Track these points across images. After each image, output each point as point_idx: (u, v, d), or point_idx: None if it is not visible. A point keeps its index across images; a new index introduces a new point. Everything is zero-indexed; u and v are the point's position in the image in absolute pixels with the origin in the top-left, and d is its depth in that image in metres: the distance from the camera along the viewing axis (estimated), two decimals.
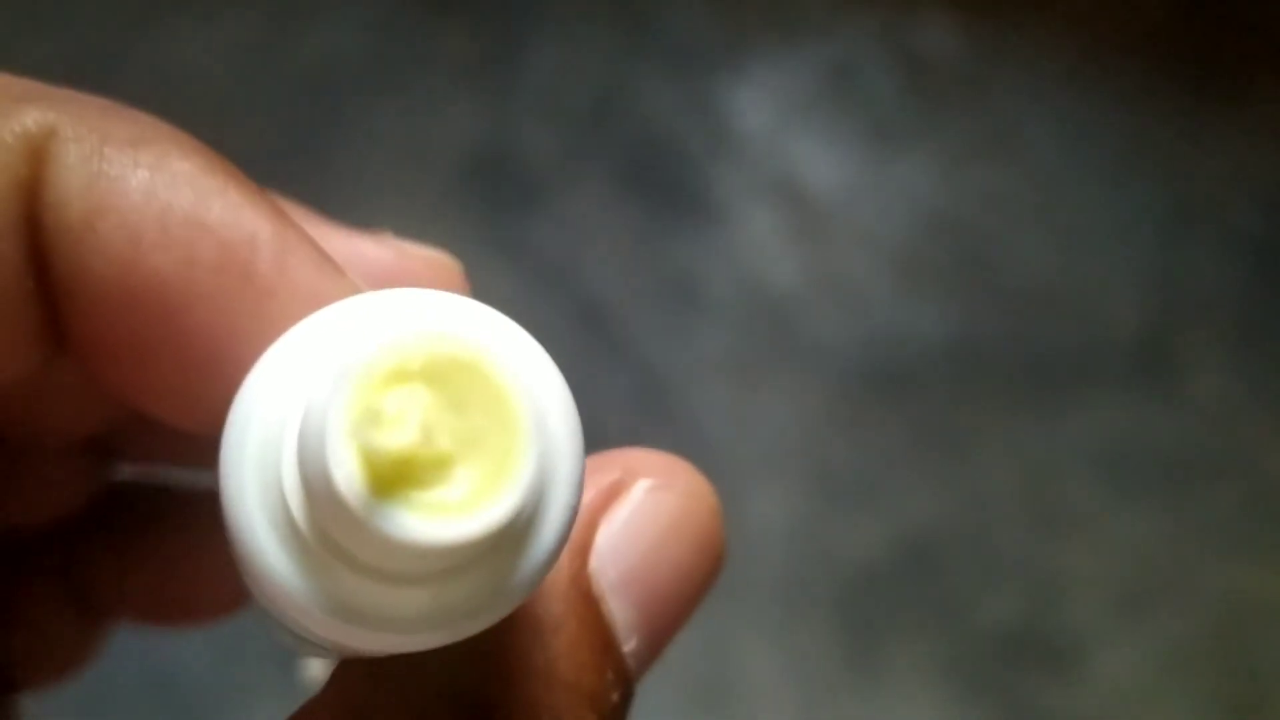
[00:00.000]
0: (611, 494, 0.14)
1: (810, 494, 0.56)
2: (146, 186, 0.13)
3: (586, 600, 0.14)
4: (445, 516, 0.11)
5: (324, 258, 0.14)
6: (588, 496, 0.14)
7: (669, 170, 0.61)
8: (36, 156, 0.13)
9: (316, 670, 0.20)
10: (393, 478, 0.11)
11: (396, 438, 0.11)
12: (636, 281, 0.59)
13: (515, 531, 0.12)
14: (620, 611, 0.14)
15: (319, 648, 0.15)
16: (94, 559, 0.20)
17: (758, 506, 0.55)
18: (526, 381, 0.11)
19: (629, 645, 0.14)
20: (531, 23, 0.63)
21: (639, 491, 0.14)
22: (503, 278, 0.57)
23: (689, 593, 0.15)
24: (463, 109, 0.61)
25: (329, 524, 0.11)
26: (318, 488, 0.11)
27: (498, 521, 0.11)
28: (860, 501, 0.56)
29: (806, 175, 0.62)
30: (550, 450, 0.12)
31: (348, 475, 0.11)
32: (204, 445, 0.13)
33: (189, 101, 0.60)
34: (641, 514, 0.14)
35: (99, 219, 0.13)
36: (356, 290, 0.14)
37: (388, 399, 0.11)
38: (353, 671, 0.13)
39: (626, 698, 0.14)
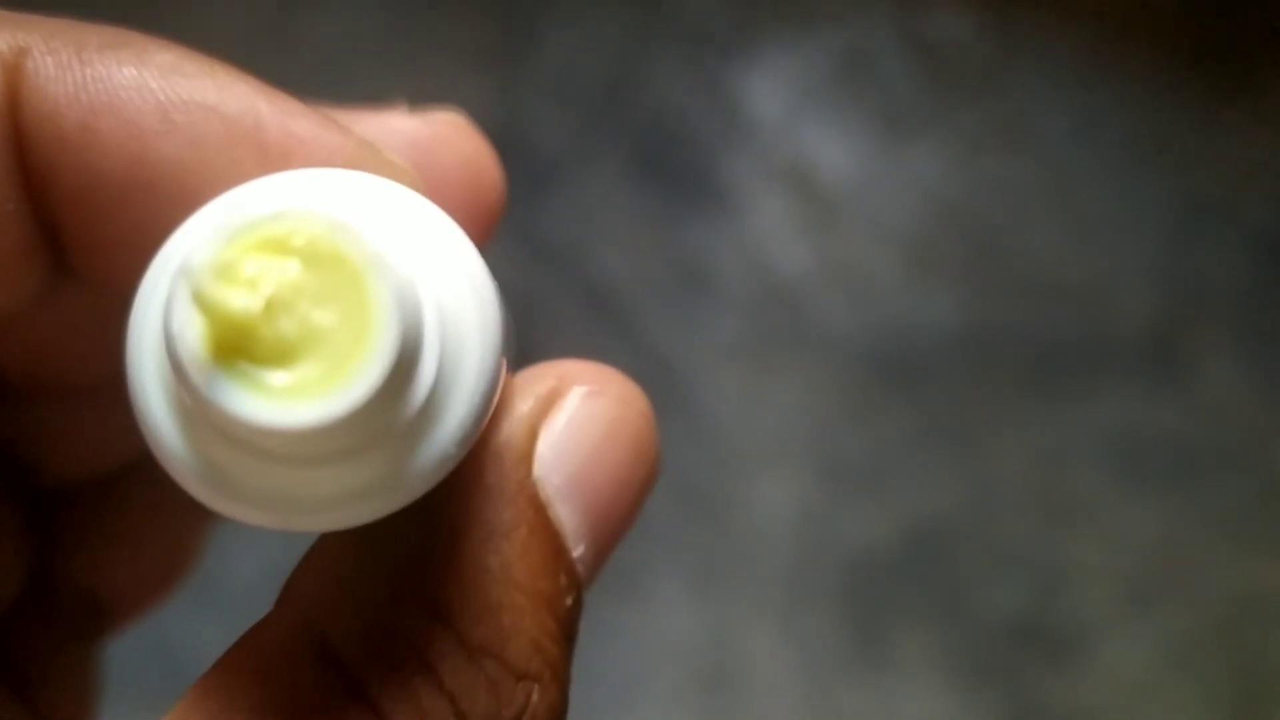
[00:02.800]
0: (549, 401, 0.14)
1: (818, 481, 0.56)
2: (136, 81, 0.13)
3: (535, 506, 0.14)
4: (278, 400, 0.11)
5: (327, 118, 0.14)
6: (526, 405, 0.14)
7: (680, 156, 0.61)
8: (11, 77, 0.13)
9: None
10: (234, 346, 0.11)
11: (239, 299, 0.11)
12: (647, 267, 0.59)
13: (407, 416, 0.12)
14: (568, 517, 0.14)
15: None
16: None
17: (765, 493, 0.55)
18: (398, 270, 0.11)
19: (577, 551, 0.14)
20: (544, 6, 0.63)
21: (575, 398, 0.15)
22: (513, 261, 0.57)
23: (629, 497, 0.15)
24: (474, 92, 0.61)
25: (189, 398, 0.11)
26: (168, 345, 0.11)
27: (332, 415, 0.11)
28: (868, 489, 0.56)
29: (818, 162, 0.61)
30: (454, 331, 0.12)
31: (185, 331, 0.11)
32: None
33: None
34: (579, 420, 0.14)
35: (95, 120, 0.13)
36: (364, 144, 0.14)
37: (248, 263, 0.11)
38: (304, 583, 0.13)
39: (578, 604, 0.14)
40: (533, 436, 0.14)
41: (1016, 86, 0.63)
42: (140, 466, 0.19)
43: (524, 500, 0.14)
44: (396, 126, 0.16)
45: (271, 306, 0.11)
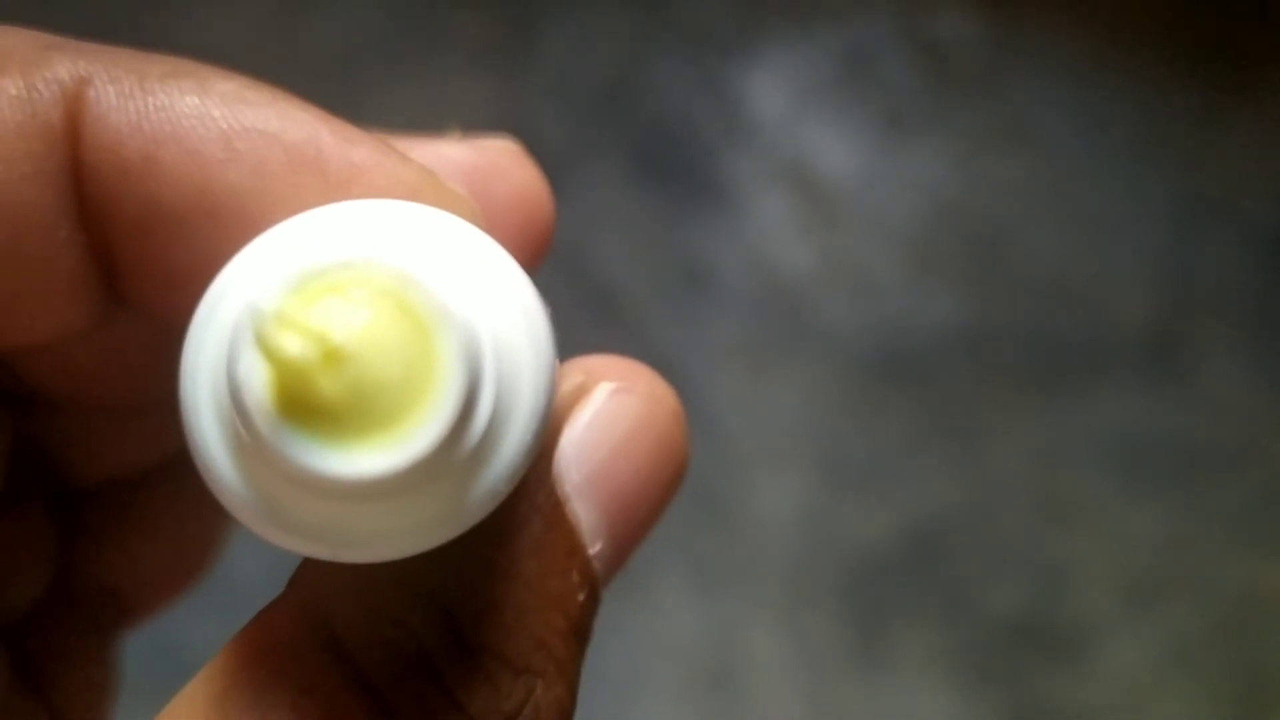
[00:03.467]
0: (574, 397, 0.14)
1: (820, 480, 0.56)
2: (198, 109, 0.13)
3: (551, 502, 0.14)
4: (342, 450, 0.11)
5: (387, 146, 0.14)
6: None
7: (682, 155, 0.61)
8: (73, 105, 0.13)
9: None
10: (298, 394, 0.11)
11: (301, 347, 0.11)
12: (648, 266, 0.59)
13: (463, 455, 0.12)
14: (585, 514, 0.14)
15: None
16: None
17: (768, 492, 0.55)
18: (463, 320, 0.11)
19: (595, 548, 0.14)
20: (546, 7, 0.63)
21: (601, 394, 0.14)
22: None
23: (653, 496, 0.15)
24: (477, 91, 0.61)
25: (242, 430, 0.11)
26: (232, 390, 0.11)
27: (413, 459, 0.11)
28: (870, 488, 0.56)
29: (820, 162, 0.62)
30: (508, 361, 0.12)
31: (251, 378, 0.11)
32: None
33: None
34: (604, 416, 0.14)
35: (158, 149, 0.13)
36: (425, 172, 0.14)
37: (314, 311, 0.11)
38: (311, 573, 0.13)
39: (593, 601, 0.14)
40: (556, 431, 0.14)
41: (1018, 86, 0.63)
42: (162, 466, 0.19)
43: (541, 496, 0.14)
44: (451, 155, 0.16)
45: (336, 357, 0.11)
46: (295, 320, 0.11)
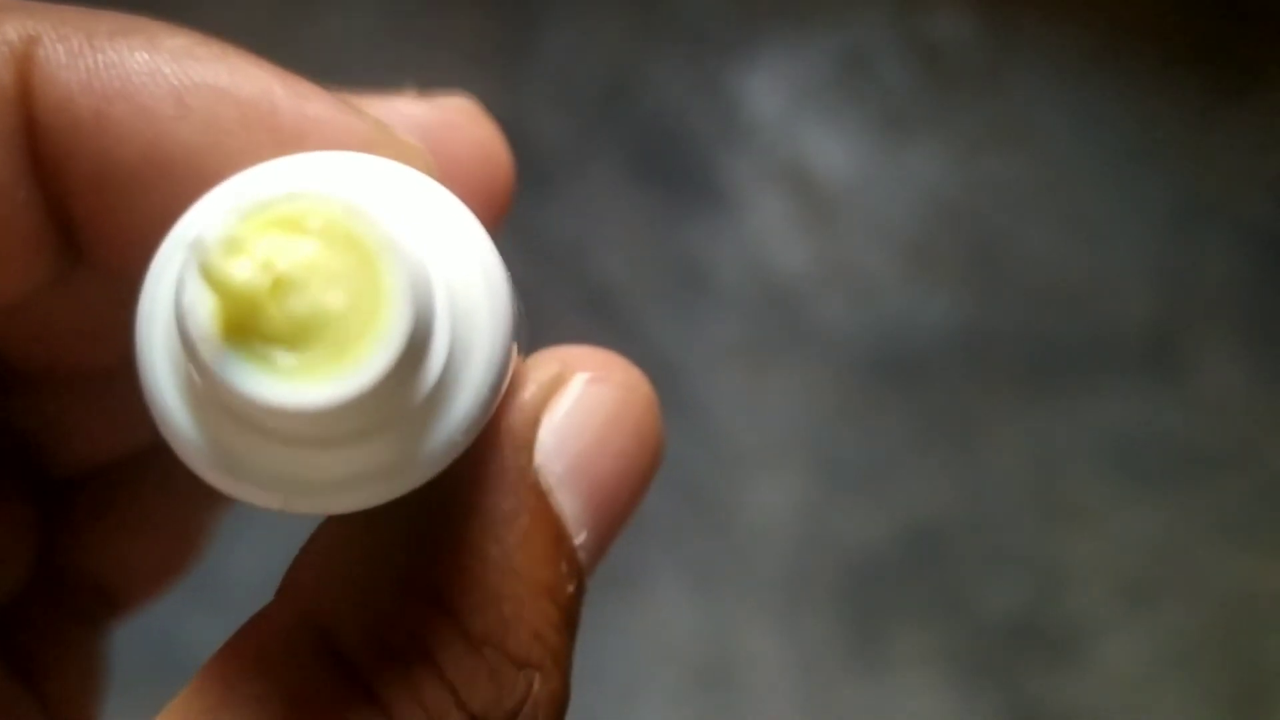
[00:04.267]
0: (551, 388, 0.14)
1: (817, 481, 0.56)
2: (148, 66, 0.13)
3: (536, 494, 0.14)
4: (288, 380, 0.11)
5: (340, 100, 0.14)
6: (529, 392, 0.14)
7: (680, 156, 0.61)
8: (23, 65, 0.13)
9: None
10: (244, 324, 0.11)
11: (247, 274, 0.11)
12: (646, 266, 0.59)
13: (416, 400, 0.12)
14: (569, 504, 0.14)
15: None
16: None
17: (764, 493, 0.55)
18: (411, 255, 0.11)
19: (579, 538, 0.14)
20: (544, 7, 0.63)
21: (578, 384, 0.14)
22: (512, 262, 0.57)
23: (632, 484, 0.15)
24: (474, 93, 0.61)
25: (199, 375, 0.11)
26: (178, 321, 0.11)
27: (341, 397, 0.11)
28: (867, 489, 0.56)
29: (818, 163, 0.62)
30: (464, 317, 0.12)
31: (196, 307, 0.11)
32: None
33: None
34: (582, 407, 0.14)
35: (109, 106, 0.13)
36: (379, 126, 0.14)
37: (260, 241, 0.11)
38: (305, 575, 0.13)
39: (580, 591, 0.14)
40: (535, 423, 0.14)
41: (1015, 86, 0.63)
42: (147, 455, 0.19)
43: (525, 488, 0.14)
44: (406, 111, 0.16)
45: (282, 285, 0.11)
46: (242, 247, 0.11)
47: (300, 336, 0.11)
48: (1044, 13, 0.65)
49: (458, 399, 0.12)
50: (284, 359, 0.11)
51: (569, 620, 0.14)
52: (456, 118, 0.17)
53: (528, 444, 0.14)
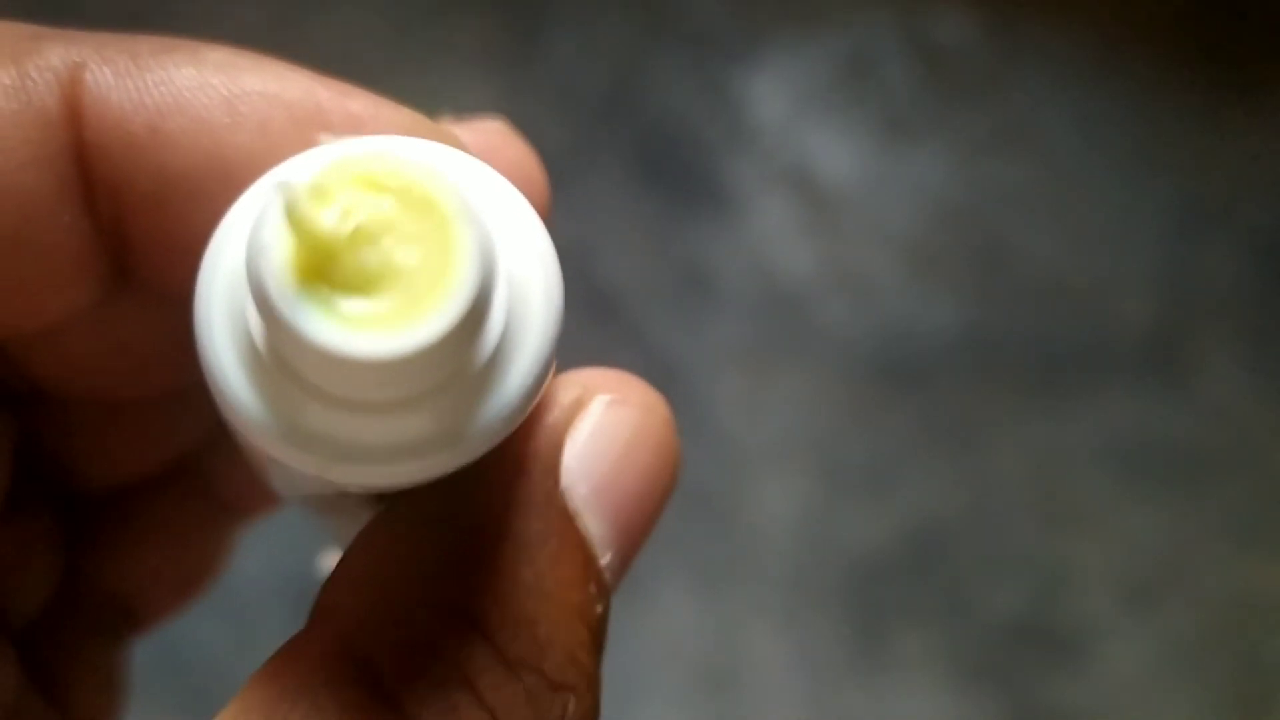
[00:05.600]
0: (572, 412, 0.15)
1: (820, 483, 0.56)
2: (196, 79, 0.14)
3: (563, 517, 0.14)
4: (354, 328, 0.11)
5: (387, 101, 0.14)
6: (551, 416, 0.14)
7: (683, 159, 0.61)
8: (69, 90, 0.13)
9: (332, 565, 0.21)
10: (317, 270, 0.11)
11: (330, 220, 0.11)
12: (649, 270, 0.59)
13: (472, 370, 0.12)
14: (594, 526, 0.14)
15: (315, 497, 0.15)
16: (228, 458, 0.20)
17: (768, 495, 0.56)
18: (481, 222, 0.11)
19: (605, 559, 0.14)
20: (547, 10, 0.63)
21: (598, 407, 0.15)
22: None
23: (653, 503, 0.15)
24: (477, 96, 0.61)
25: (274, 339, 0.11)
26: (258, 300, 0.11)
27: (428, 339, 0.11)
28: (870, 492, 0.56)
29: (821, 166, 0.62)
30: (519, 299, 0.12)
31: (273, 246, 0.11)
32: None
33: None
34: (604, 429, 0.15)
35: (163, 121, 0.13)
36: (422, 118, 0.14)
37: (343, 192, 0.11)
38: (339, 594, 0.13)
39: (606, 611, 0.15)
40: (559, 447, 0.14)
41: (1018, 90, 0.64)
42: (170, 472, 0.20)
43: (553, 512, 0.14)
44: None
45: (360, 235, 0.11)
46: (327, 194, 0.11)
47: (370, 288, 0.11)
48: (1047, 16, 0.65)
49: (511, 373, 0.12)
50: (352, 309, 0.11)
51: (598, 641, 0.14)
52: (493, 139, 0.17)
53: (553, 468, 0.14)
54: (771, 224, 0.60)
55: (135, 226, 0.14)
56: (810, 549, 0.55)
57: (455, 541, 0.13)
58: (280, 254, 0.11)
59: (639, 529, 0.15)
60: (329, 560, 0.21)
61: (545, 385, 0.13)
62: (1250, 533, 0.56)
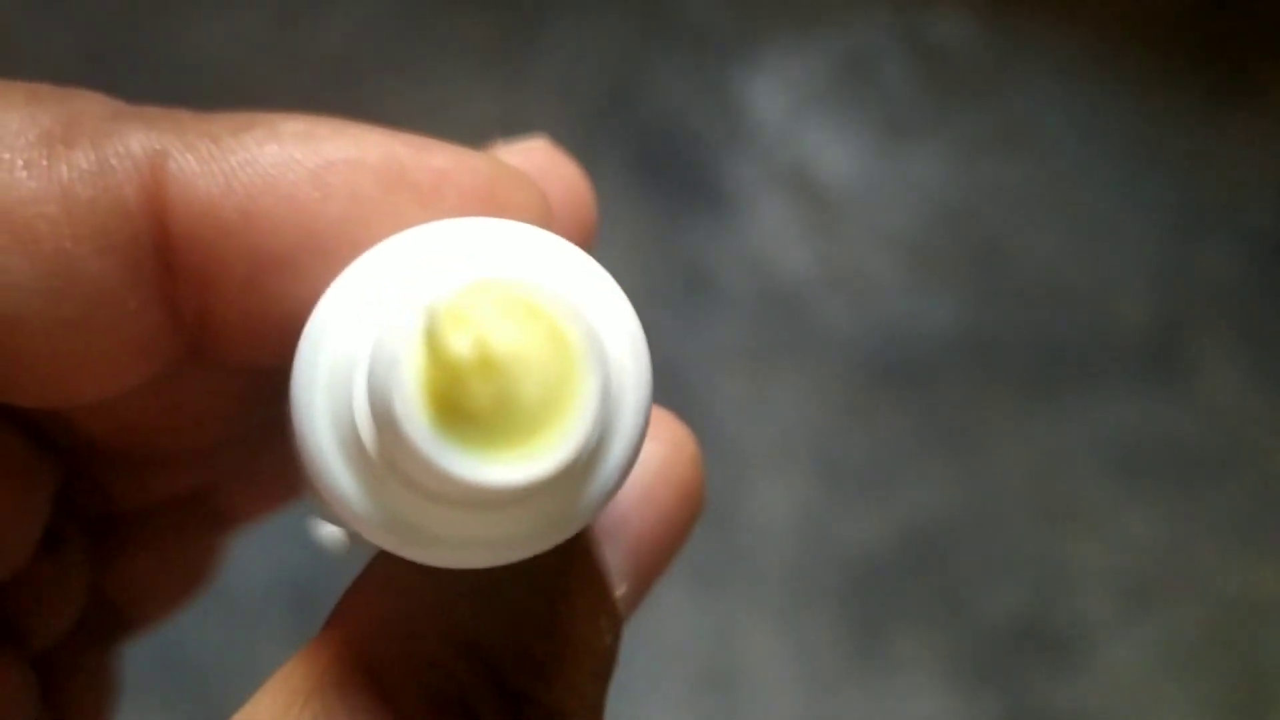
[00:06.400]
0: None
1: (820, 483, 0.56)
2: (280, 156, 0.14)
3: (581, 549, 0.14)
4: (502, 459, 0.11)
5: (461, 149, 0.14)
6: None
7: (683, 160, 0.61)
8: (149, 179, 0.13)
9: (330, 534, 0.21)
10: (449, 392, 0.11)
11: (466, 345, 0.11)
12: (649, 270, 0.59)
13: (578, 465, 0.12)
14: (612, 558, 0.14)
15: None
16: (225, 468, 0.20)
17: (767, 496, 0.56)
18: (593, 329, 0.12)
19: (620, 591, 0.14)
20: (547, 11, 0.64)
21: None
22: None
23: (673, 538, 0.15)
24: (478, 97, 0.62)
25: (393, 451, 0.12)
26: (382, 414, 0.11)
27: (553, 469, 0.11)
28: (868, 492, 0.56)
29: (820, 166, 0.62)
30: (617, 380, 0.13)
31: (407, 371, 0.11)
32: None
33: (206, 91, 0.61)
34: None
35: (254, 203, 0.13)
36: (498, 162, 0.14)
37: (479, 318, 0.11)
38: (355, 610, 0.14)
39: (616, 642, 0.15)
40: None
41: (1017, 90, 0.64)
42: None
43: (572, 542, 0.14)
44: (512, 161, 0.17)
45: (494, 363, 0.11)
46: (467, 320, 0.11)
47: (499, 417, 0.11)
48: (1045, 16, 0.65)
49: (609, 459, 0.12)
50: (479, 436, 0.11)
51: (604, 672, 0.14)
52: (543, 160, 0.17)
53: None
54: (771, 224, 0.60)
55: (223, 310, 0.14)
56: (809, 549, 0.55)
57: (469, 570, 0.14)
58: (414, 373, 0.11)
59: (656, 563, 0.15)
60: (328, 526, 0.21)
61: (635, 460, 0.13)
62: (1249, 532, 0.56)
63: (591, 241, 0.17)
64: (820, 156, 0.62)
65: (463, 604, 0.13)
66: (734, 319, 0.58)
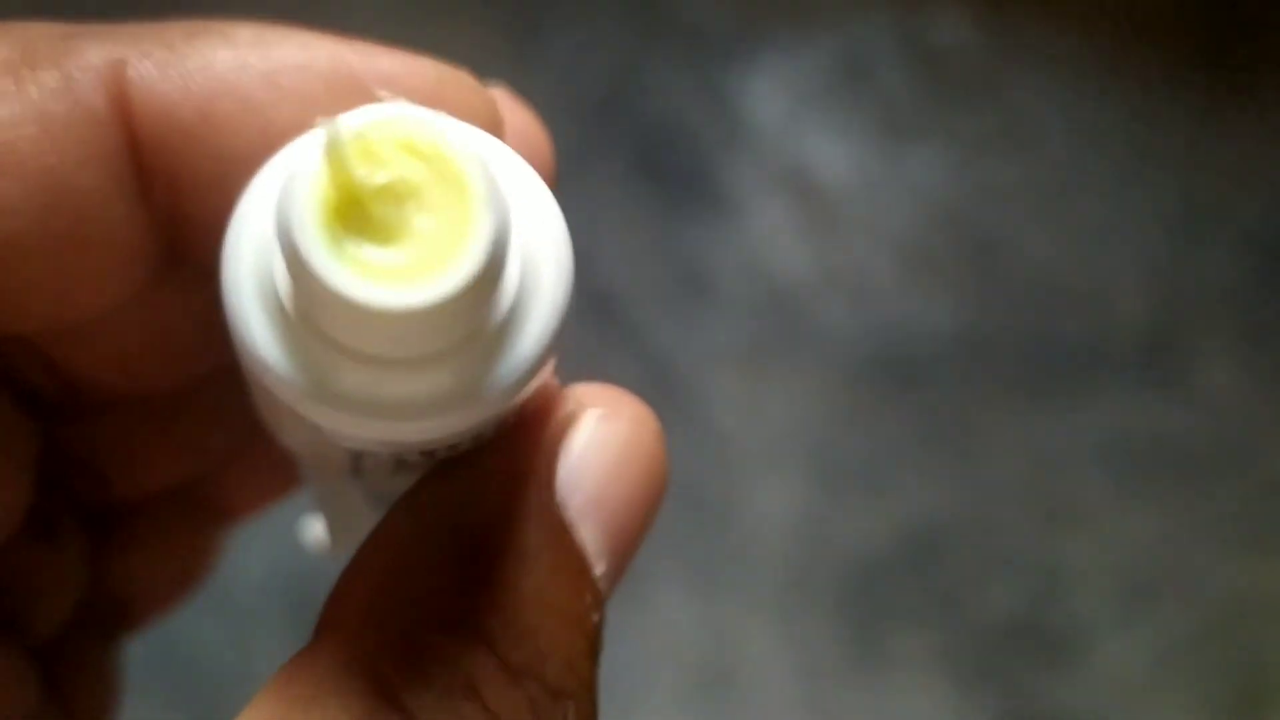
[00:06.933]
0: (564, 426, 0.15)
1: (816, 484, 0.56)
2: (235, 60, 0.14)
3: (559, 529, 0.14)
4: (381, 281, 0.11)
5: (412, 55, 0.15)
6: (547, 432, 0.15)
7: (681, 160, 0.61)
8: (113, 87, 0.14)
9: (317, 536, 0.21)
10: (347, 216, 0.11)
11: (367, 169, 0.11)
12: (647, 271, 0.59)
13: (487, 332, 0.12)
14: (589, 537, 0.15)
15: (328, 468, 0.15)
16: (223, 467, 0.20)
17: (765, 496, 0.56)
18: (494, 180, 0.12)
19: (599, 569, 0.15)
20: (545, 11, 0.64)
21: (590, 421, 0.15)
22: None
23: (643, 514, 0.15)
24: None
25: (288, 266, 0.12)
26: (284, 238, 0.11)
27: (439, 297, 0.11)
28: (866, 492, 0.56)
29: (818, 167, 0.62)
30: (532, 269, 0.13)
31: (307, 187, 0.11)
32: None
33: None
34: (596, 443, 0.15)
35: (212, 106, 0.14)
36: (447, 68, 0.15)
37: (380, 149, 0.12)
38: (345, 606, 0.14)
39: (601, 620, 0.15)
40: (553, 461, 0.15)
41: (1015, 91, 0.64)
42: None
43: (549, 524, 0.14)
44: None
45: (390, 191, 0.12)
46: (368, 147, 0.12)
47: (392, 244, 0.12)
48: (1044, 17, 0.65)
49: (524, 336, 0.13)
50: (374, 259, 0.11)
51: (595, 649, 0.15)
52: (501, 103, 0.17)
53: (549, 481, 0.15)
54: (769, 224, 0.60)
55: (192, 210, 0.14)
56: (807, 549, 0.55)
57: (457, 554, 0.14)
58: (313, 191, 0.11)
59: (631, 539, 0.15)
60: (316, 528, 0.21)
61: (553, 348, 0.13)
62: (1248, 532, 0.56)
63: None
64: (818, 157, 0.62)
65: (454, 589, 0.14)
66: (731, 319, 0.59)
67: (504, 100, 0.17)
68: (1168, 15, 0.65)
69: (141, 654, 0.21)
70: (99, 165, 0.14)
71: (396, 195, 0.12)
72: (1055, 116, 0.63)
